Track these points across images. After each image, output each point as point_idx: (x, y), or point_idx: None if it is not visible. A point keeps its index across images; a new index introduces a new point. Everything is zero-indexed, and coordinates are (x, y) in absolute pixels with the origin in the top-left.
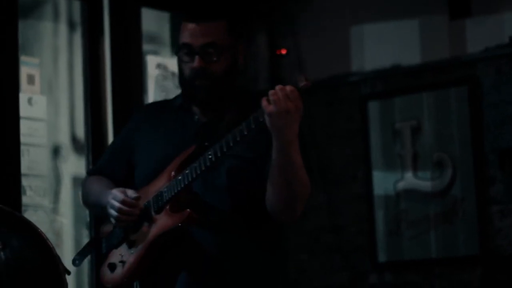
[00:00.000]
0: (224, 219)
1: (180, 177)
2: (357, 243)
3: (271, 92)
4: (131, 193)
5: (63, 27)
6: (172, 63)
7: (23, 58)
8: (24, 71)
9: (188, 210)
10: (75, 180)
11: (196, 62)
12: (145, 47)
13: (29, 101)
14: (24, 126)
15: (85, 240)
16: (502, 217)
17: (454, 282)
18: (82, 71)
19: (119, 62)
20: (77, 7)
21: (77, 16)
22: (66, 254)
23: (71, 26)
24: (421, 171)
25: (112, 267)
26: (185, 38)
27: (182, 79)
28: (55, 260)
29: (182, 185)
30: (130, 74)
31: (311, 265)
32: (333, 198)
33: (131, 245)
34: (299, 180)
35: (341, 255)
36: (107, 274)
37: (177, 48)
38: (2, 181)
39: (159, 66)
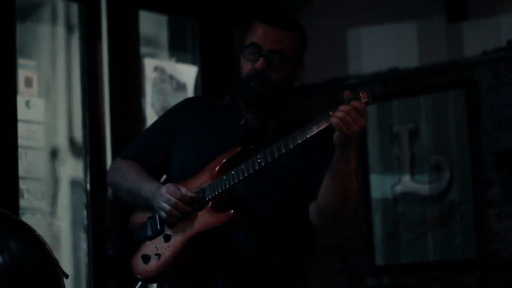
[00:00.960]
0: (264, 225)
1: (224, 177)
2: (354, 245)
3: (340, 114)
4: (185, 191)
5: (61, 30)
6: (169, 66)
7: (21, 61)
8: (22, 74)
9: (232, 211)
10: (73, 183)
11: (259, 64)
12: (143, 50)
13: (27, 104)
14: (21, 129)
15: (83, 243)
16: (499, 220)
17: (452, 285)
18: (80, 74)
19: (117, 65)
20: (75, 9)
21: (75, 19)
22: (64, 257)
23: (69, 28)
24: (418, 174)
25: (146, 258)
26: (255, 37)
27: (238, 76)
28: (53, 263)
29: (227, 185)
30: (128, 77)
31: None
32: None
33: (167, 238)
34: (354, 187)
35: (339, 258)
36: (140, 264)
37: (244, 46)
38: (0, 184)
39: (156, 69)
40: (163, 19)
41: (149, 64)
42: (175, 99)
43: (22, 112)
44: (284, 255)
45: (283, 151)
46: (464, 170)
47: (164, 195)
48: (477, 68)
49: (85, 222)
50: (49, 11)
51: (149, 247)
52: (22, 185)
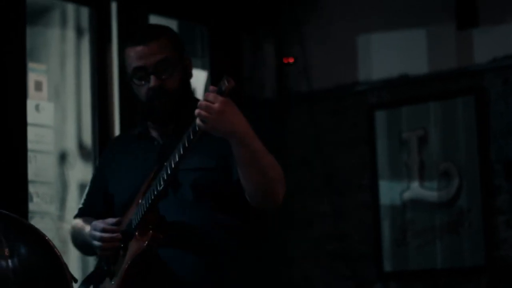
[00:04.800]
0: (194, 235)
1: (143, 201)
2: (362, 251)
3: (197, 110)
4: (110, 220)
5: (70, 34)
6: None
7: (30, 65)
8: (31, 78)
9: (150, 231)
10: (82, 187)
11: (152, 82)
12: None
13: (37, 107)
14: (31, 133)
15: None
16: (508, 227)
17: None
18: (89, 77)
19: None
20: (85, 13)
21: (85, 23)
22: (72, 261)
23: (79, 32)
24: (427, 181)
25: None
26: (136, 61)
27: (140, 103)
28: (63, 268)
29: (145, 209)
30: None
31: (315, 272)
32: (338, 206)
33: (112, 276)
34: (268, 165)
35: (346, 263)
36: None
37: (129, 75)
38: (9, 188)
39: None
40: (172, 23)
41: None
42: None
43: (31, 115)
44: (220, 258)
45: (178, 159)
46: (472, 177)
47: (91, 234)
48: (487, 75)
49: None
50: (59, 15)
51: None
52: (31, 188)
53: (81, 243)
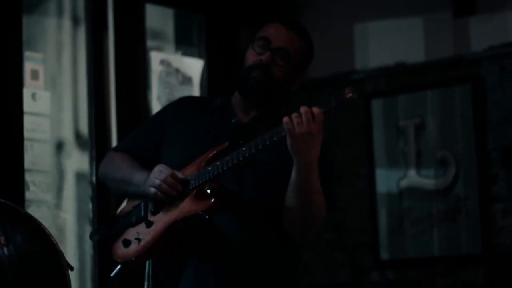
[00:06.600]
0: (250, 217)
1: (210, 168)
2: (359, 240)
3: (294, 114)
4: (177, 172)
5: (67, 23)
6: (175, 60)
7: (27, 54)
8: (28, 67)
9: (213, 199)
10: (79, 176)
11: (265, 56)
12: (149, 43)
13: (33, 96)
14: (27, 122)
15: (88, 236)
16: (505, 215)
17: (457, 280)
18: (86, 66)
19: (123, 58)
20: (81, 2)
21: (81, 12)
22: (69, 249)
23: (75, 21)
24: (424, 169)
25: (127, 243)
26: (267, 33)
27: (241, 67)
28: (59, 255)
29: (211, 175)
30: (134, 70)
31: (313, 262)
32: (335, 195)
33: (149, 224)
34: (315, 205)
35: (344, 253)
36: (120, 249)
37: (253, 40)
38: (6, 177)
39: (162, 62)
40: (169, 12)
41: (155, 58)
42: (180, 93)
43: (28, 104)
44: (269, 240)
45: (267, 143)
46: (470, 165)
47: (155, 171)
48: (484, 63)
49: (90, 214)
50: (55, 4)
51: (131, 233)
52: (27, 177)
53: (122, 179)
